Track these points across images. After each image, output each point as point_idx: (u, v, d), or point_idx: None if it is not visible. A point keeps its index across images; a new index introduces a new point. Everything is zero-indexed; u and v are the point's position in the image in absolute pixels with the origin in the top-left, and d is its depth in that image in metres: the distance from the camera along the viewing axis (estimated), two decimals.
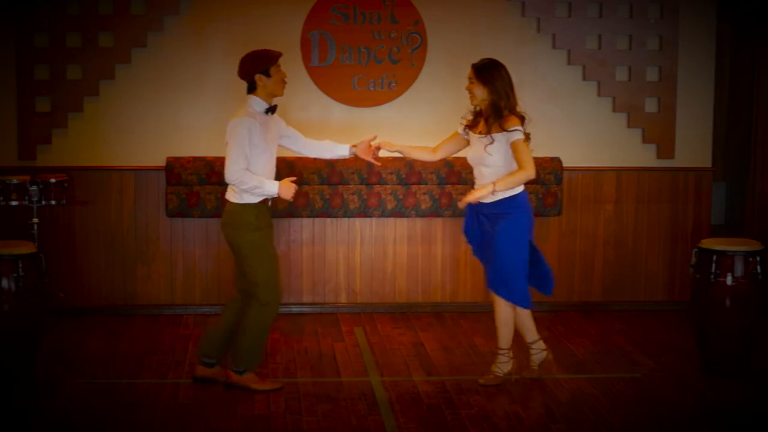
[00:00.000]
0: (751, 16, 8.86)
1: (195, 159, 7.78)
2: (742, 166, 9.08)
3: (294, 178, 6.18)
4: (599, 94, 8.13)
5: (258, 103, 6.13)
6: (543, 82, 8.09)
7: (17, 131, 7.75)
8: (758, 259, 6.43)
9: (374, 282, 8.08)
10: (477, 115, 6.25)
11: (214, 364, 6.23)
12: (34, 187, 7.27)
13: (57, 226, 7.79)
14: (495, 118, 6.11)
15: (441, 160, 6.64)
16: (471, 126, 6.26)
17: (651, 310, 8.19)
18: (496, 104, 6.11)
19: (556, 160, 8.03)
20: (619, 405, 5.97)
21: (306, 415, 5.76)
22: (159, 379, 6.34)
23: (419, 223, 8.06)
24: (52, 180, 7.34)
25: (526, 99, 8.04)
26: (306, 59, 7.90)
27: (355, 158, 6.54)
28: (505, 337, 6.29)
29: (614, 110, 8.16)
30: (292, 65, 7.88)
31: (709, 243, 6.58)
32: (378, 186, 7.87)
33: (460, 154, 6.57)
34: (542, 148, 8.06)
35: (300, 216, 7.88)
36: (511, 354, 6.33)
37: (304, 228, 8.00)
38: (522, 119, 6.16)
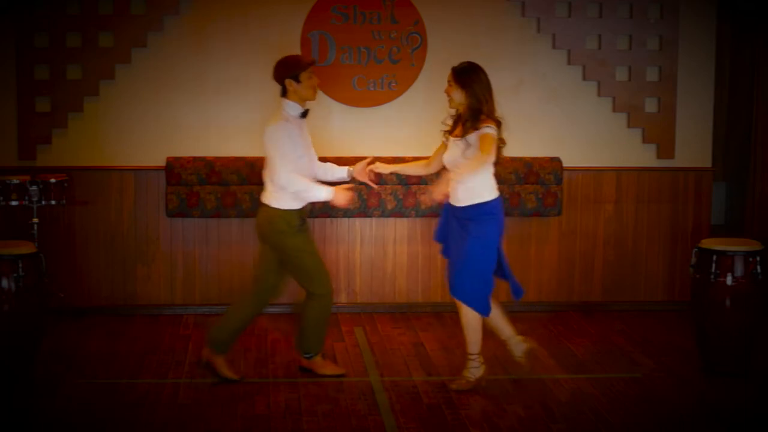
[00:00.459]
0: (751, 16, 8.86)
1: (195, 159, 7.78)
2: (742, 166, 9.08)
3: (350, 186, 6.32)
4: (599, 94, 8.13)
5: (291, 107, 6.27)
6: (543, 82, 8.09)
7: (17, 131, 7.76)
8: (758, 259, 6.44)
9: (374, 282, 8.08)
10: (457, 119, 6.23)
11: (313, 356, 6.47)
12: (34, 187, 7.27)
13: (57, 226, 7.79)
14: (472, 122, 6.07)
15: None
16: (451, 131, 6.24)
17: (651, 310, 8.20)
18: (474, 108, 6.09)
19: (556, 160, 8.03)
20: (619, 405, 5.97)
21: (306, 415, 5.76)
22: (159, 379, 6.34)
23: (419, 223, 8.06)
24: (52, 180, 7.34)
25: (526, 99, 8.12)
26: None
27: (352, 180, 6.52)
28: (473, 341, 6.21)
29: (614, 110, 8.16)
30: None
31: (709, 243, 6.59)
32: (378, 186, 7.86)
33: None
34: (542, 148, 8.08)
35: None
36: (481, 359, 6.26)
37: None
38: (498, 124, 6.10)
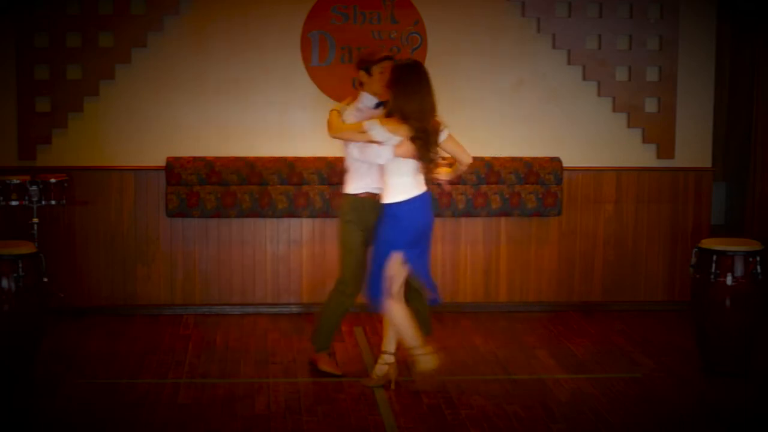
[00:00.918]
0: (751, 16, 8.86)
1: (195, 159, 7.78)
2: (742, 166, 9.08)
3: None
4: (599, 94, 8.13)
5: (366, 98, 6.34)
6: (543, 82, 8.09)
7: (17, 131, 7.75)
8: (758, 259, 6.43)
9: None
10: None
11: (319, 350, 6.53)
12: (34, 187, 7.27)
13: (57, 226, 7.79)
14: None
15: None
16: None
17: (651, 310, 8.19)
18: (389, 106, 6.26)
19: (556, 160, 8.03)
20: (619, 405, 5.97)
21: (306, 415, 5.76)
22: (159, 379, 6.34)
23: None
24: (52, 180, 7.34)
25: (526, 99, 8.12)
26: (306, 59, 7.90)
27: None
28: (405, 337, 6.15)
29: (614, 110, 8.16)
30: (292, 65, 7.90)
31: (709, 243, 6.58)
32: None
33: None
34: (542, 148, 8.08)
35: (300, 216, 7.88)
36: (392, 360, 6.25)
37: (304, 228, 8.00)
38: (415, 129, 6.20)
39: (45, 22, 7.67)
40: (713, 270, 6.44)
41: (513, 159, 7.95)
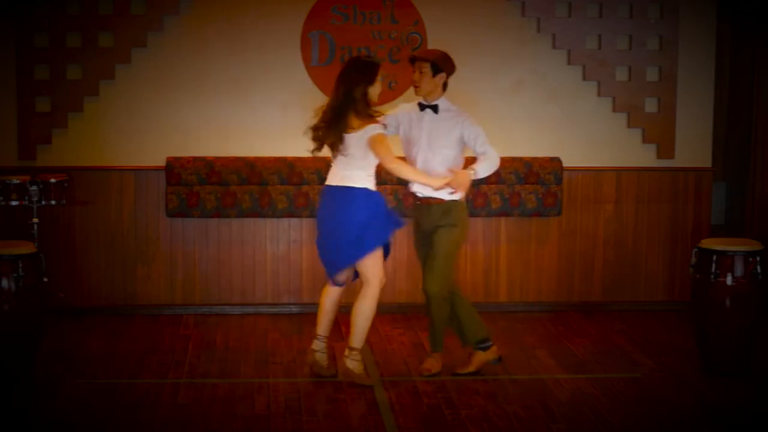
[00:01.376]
0: (751, 16, 8.86)
1: (195, 159, 7.78)
2: (742, 166, 9.08)
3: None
4: (599, 94, 8.13)
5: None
6: (543, 82, 8.09)
7: (17, 131, 7.76)
8: (758, 259, 6.43)
9: None
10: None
11: (488, 346, 6.51)
12: (34, 187, 7.27)
13: (57, 226, 7.79)
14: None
15: None
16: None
17: (651, 310, 8.19)
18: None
19: (556, 160, 8.03)
20: (619, 405, 5.97)
21: (306, 415, 5.76)
22: (159, 379, 6.34)
23: None
24: (52, 180, 7.34)
25: (526, 99, 8.12)
26: (306, 59, 7.90)
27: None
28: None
29: (614, 110, 8.16)
30: (292, 65, 7.90)
31: (709, 243, 6.59)
32: (378, 186, 7.85)
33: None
34: (542, 148, 8.08)
35: (300, 216, 7.88)
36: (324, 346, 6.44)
37: (304, 228, 8.00)
38: None
39: (45, 22, 7.67)
40: (713, 270, 6.44)
41: (513, 159, 7.95)
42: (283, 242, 8.00)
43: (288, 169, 7.77)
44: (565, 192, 8.12)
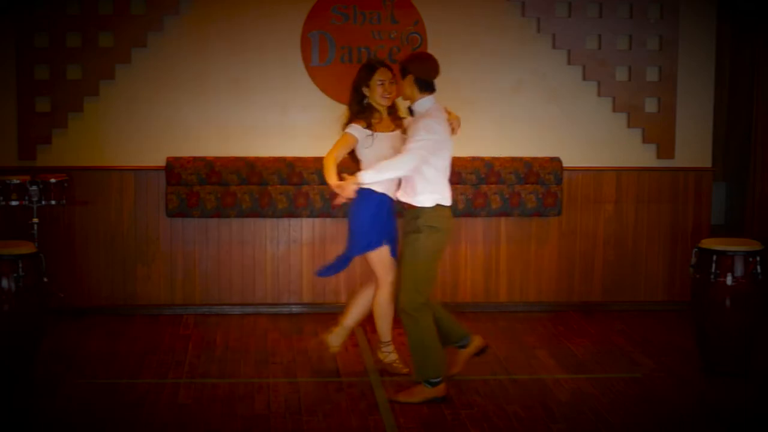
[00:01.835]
0: (751, 16, 8.86)
1: (195, 159, 7.78)
2: (742, 166, 9.08)
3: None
4: (599, 94, 8.14)
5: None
6: (543, 82, 8.09)
7: (17, 131, 7.76)
8: (758, 259, 6.43)
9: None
10: (369, 112, 6.24)
11: (466, 344, 6.32)
12: (34, 187, 7.27)
13: (57, 226, 7.79)
14: (394, 113, 6.31)
15: None
16: (371, 125, 6.22)
17: (651, 310, 8.20)
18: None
19: (556, 160, 8.03)
20: (619, 405, 5.97)
21: (306, 415, 5.76)
22: (159, 379, 6.34)
23: None
24: (52, 180, 7.34)
25: (526, 99, 8.11)
26: (306, 59, 7.90)
27: None
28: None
29: (614, 110, 8.16)
30: (292, 65, 7.90)
31: (709, 243, 6.59)
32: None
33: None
34: (542, 148, 8.08)
35: (300, 216, 7.88)
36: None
37: (304, 228, 8.00)
38: None
39: (45, 22, 7.67)
40: (713, 270, 6.44)
41: (513, 159, 7.96)
42: (283, 242, 8.00)
43: (288, 169, 7.77)
44: (565, 192, 8.12)
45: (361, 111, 6.24)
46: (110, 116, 7.83)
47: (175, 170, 7.73)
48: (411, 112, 6.12)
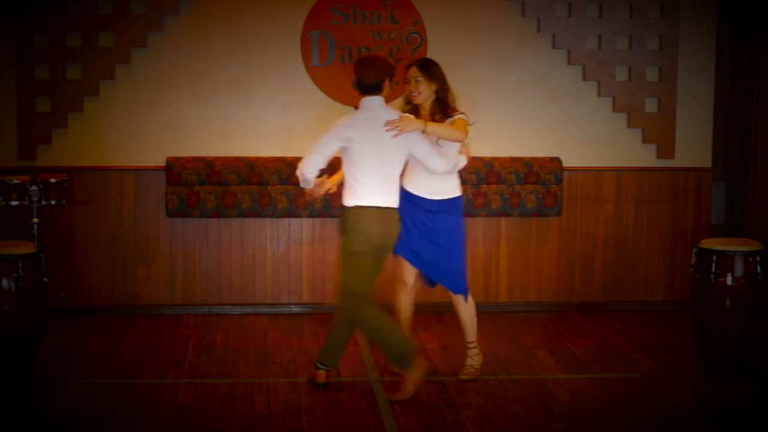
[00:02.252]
0: (751, 16, 8.86)
1: (195, 159, 7.78)
2: (742, 166, 9.08)
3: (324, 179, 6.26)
4: (599, 94, 8.14)
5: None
6: (543, 82, 8.09)
7: (17, 131, 7.76)
8: (758, 259, 6.43)
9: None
10: (413, 113, 6.26)
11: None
12: (34, 187, 7.27)
13: (57, 226, 7.79)
14: (443, 113, 6.23)
15: None
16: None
17: (651, 310, 8.19)
18: (442, 100, 6.26)
19: (556, 160, 8.03)
20: (619, 405, 5.97)
21: (306, 415, 5.76)
22: (159, 379, 6.34)
23: None
24: (52, 180, 7.34)
25: (526, 99, 8.11)
26: (306, 59, 7.90)
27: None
28: (473, 330, 6.46)
29: (614, 110, 8.16)
30: (292, 65, 7.90)
31: (709, 243, 6.58)
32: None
33: None
34: (542, 148, 8.08)
35: (300, 216, 7.88)
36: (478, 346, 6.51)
37: (304, 228, 8.00)
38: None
39: (45, 22, 7.67)
40: (713, 270, 6.44)
41: (513, 159, 7.96)
42: (283, 242, 8.00)
43: (288, 169, 7.77)
44: (565, 192, 8.12)
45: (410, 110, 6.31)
46: (110, 116, 7.83)
47: (175, 170, 7.73)
48: None
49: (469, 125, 6.20)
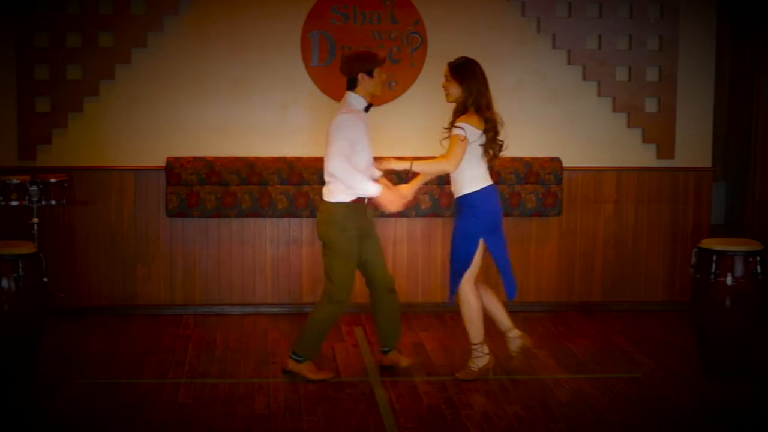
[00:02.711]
0: (751, 16, 8.86)
1: (195, 159, 7.78)
2: (742, 166, 9.08)
3: (407, 192, 6.38)
4: (599, 94, 8.14)
5: (357, 100, 6.28)
6: (543, 82, 8.09)
7: (17, 131, 7.76)
8: (758, 259, 6.43)
9: None
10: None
11: (388, 351, 6.52)
12: (34, 187, 7.27)
13: (57, 226, 7.79)
14: (456, 117, 6.27)
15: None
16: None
17: (651, 310, 8.20)
18: (464, 102, 6.26)
19: (556, 160, 8.03)
20: (619, 405, 5.97)
21: (306, 415, 5.76)
22: (159, 379, 6.34)
23: (419, 223, 8.06)
24: (52, 180, 7.34)
25: (526, 99, 8.11)
26: (306, 59, 7.90)
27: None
28: (471, 332, 6.39)
29: (614, 110, 8.16)
30: (292, 65, 7.90)
31: (709, 243, 6.59)
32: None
33: None
34: (542, 148, 8.08)
35: (300, 216, 7.88)
36: (485, 349, 6.41)
37: (304, 228, 8.00)
38: (489, 120, 6.22)
39: (45, 22, 7.67)
40: (713, 270, 6.44)
41: (513, 159, 7.95)
42: (283, 242, 8.00)
43: (288, 169, 7.77)
44: (565, 192, 8.12)
45: None
46: (110, 116, 7.83)
47: (175, 170, 7.73)
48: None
49: (462, 140, 6.14)
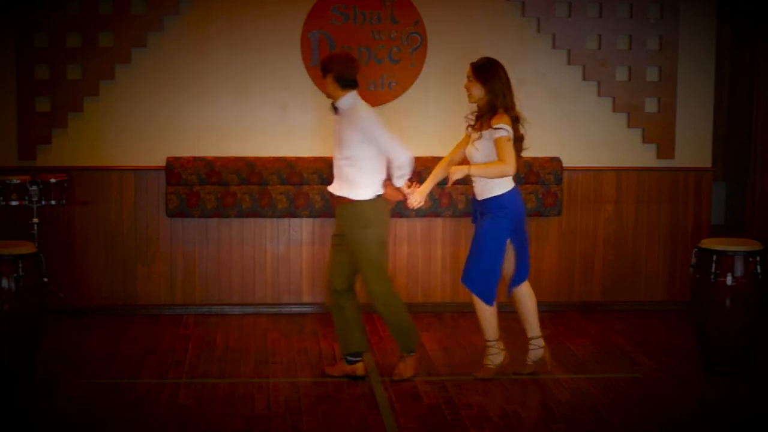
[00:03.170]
0: (751, 16, 8.86)
1: (195, 159, 7.78)
2: (742, 166, 9.08)
3: (424, 188, 6.37)
4: (599, 94, 8.14)
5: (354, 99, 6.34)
6: (543, 82, 8.09)
7: (17, 131, 7.76)
8: (758, 259, 6.43)
9: None
10: (478, 115, 6.29)
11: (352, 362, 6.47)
12: (34, 187, 7.27)
13: (57, 226, 7.79)
14: (488, 117, 6.22)
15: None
16: (473, 125, 6.31)
17: (651, 310, 8.19)
18: (491, 103, 6.23)
19: (556, 160, 8.03)
20: (619, 405, 5.97)
21: (306, 415, 5.76)
22: (159, 379, 6.34)
23: (419, 223, 8.06)
24: (52, 180, 7.34)
25: (526, 99, 8.06)
26: (306, 59, 7.90)
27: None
28: (485, 329, 6.39)
29: (614, 110, 8.16)
30: (292, 65, 7.90)
31: (709, 243, 6.59)
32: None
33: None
34: (542, 148, 8.07)
35: (300, 216, 7.88)
36: (501, 345, 6.40)
37: (304, 228, 8.00)
38: (516, 119, 6.20)
39: (45, 22, 7.67)
40: (713, 270, 6.44)
41: None
42: (283, 242, 8.00)
43: (288, 169, 7.77)
44: (565, 192, 8.12)
45: None
46: (110, 116, 7.83)
47: (175, 170, 7.73)
48: (335, 109, 6.30)
49: (509, 140, 6.15)
